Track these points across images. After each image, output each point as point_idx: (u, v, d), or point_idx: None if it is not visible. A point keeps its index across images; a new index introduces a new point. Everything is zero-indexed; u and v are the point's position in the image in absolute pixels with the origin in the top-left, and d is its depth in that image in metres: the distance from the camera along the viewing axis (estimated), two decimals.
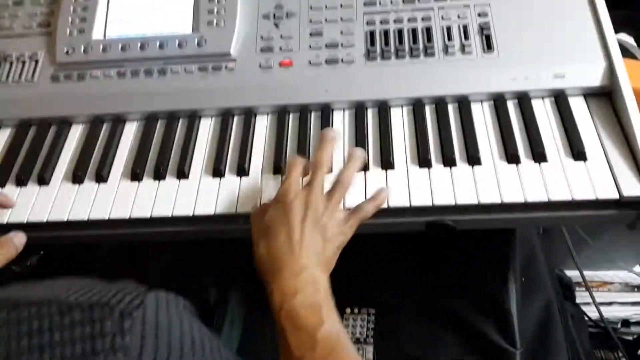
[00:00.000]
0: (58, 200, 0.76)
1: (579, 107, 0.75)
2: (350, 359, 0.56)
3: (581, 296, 1.24)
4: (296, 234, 0.61)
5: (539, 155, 0.70)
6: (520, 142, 0.72)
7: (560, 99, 0.75)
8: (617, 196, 0.66)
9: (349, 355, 0.56)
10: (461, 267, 0.86)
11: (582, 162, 0.69)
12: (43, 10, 0.92)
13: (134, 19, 0.88)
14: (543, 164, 0.70)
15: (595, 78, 0.75)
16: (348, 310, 0.86)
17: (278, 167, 0.74)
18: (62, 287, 0.40)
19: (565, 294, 1.15)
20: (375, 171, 0.73)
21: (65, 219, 0.74)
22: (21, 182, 0.78)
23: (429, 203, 0.68)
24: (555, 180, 0.68)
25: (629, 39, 1.12)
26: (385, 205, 0.69)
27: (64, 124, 0.84)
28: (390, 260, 0.88)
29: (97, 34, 0.87)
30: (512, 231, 0.88)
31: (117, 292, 0.41)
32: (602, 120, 0.73)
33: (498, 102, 0.77)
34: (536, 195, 0.67)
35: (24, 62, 0.87)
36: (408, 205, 0.69)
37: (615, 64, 0.75)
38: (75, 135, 0.83)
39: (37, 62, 0.87)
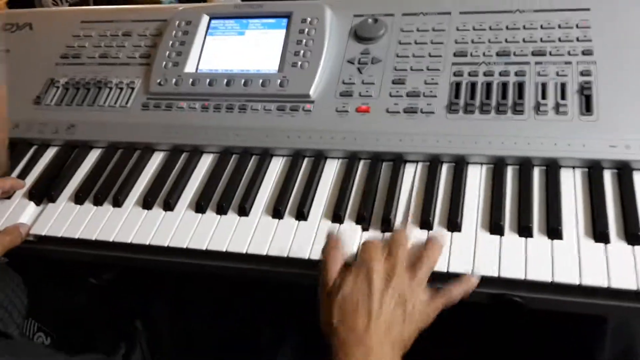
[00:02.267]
0: (126, 223, 0.78)
1: None
2: None
3: None
4: (375, 308, 0.57)
5: (633, 236, 0.61)
6: (613, 219, 0.63)
7: None
8: None
9: None
10: (539, 353, 0.76)
11: None
12: (147, 43, 0.98)
13: (225, 56, 0.91)
14: (637, 247, 0.60)
15: None
16: None
17: (338, 215, 0.71)
18: None
19: None
20: (440, 231, 0.67)
21: (128, 241, 0.75)
22: (98, 201, 0.81)
23: (495, 274, 0.61)
24: None
25: None
26: (444, 269, 0.63)
27: (147, 150, 0.87)
28: (459, 337, 0.80)
29: (189, 67, 0.90)
30: (602, 320, 0.76)
31: None
32: None
33: (592, 170, 0.68)
34: (624, 281, 0.57)
35: (121, 89, 0.93)
36: (471, 272, 0.62)
37: None
38: (155, 162, 0.86)
39: (132, 89, 0.92)
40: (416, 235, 0.66)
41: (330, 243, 0.65)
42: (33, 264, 0.86)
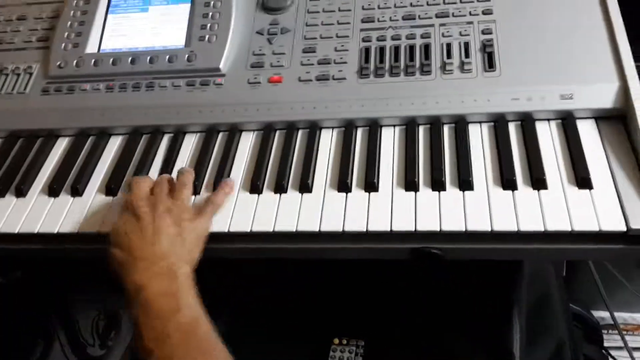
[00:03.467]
0: (32, 213, 0.73)
1: (587, 130, 0.68)
2: (209, 348, 0.54)
3: (613, 339, 1.14)
4: (148, 228, 0.61)
5: (538, 181, 0.63)
6: (519, 167, 0.66)
7: (567, 122, 0.69)
8: (624, 228, 0.58)
9: (208, 345, 0.54)
10: (460, 301, 0.79)
11: (586, 191, 0.62)
12: (44, 26, 0.92)
13: (129, 34, 0.87)
14: (542, 192, 0.63)
15: (607, 100, 0.68)
16: (336, 341, 0.80)
17: (255, 185, 0.70)
18: None
19: (591, 337, 1.06)
20: (359, 194, 0.67)
21: (35, 231, 0.71)
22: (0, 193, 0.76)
23: (411, 228, 0.62)
24: (554, 209, 0.61)
25: None
26: (364, 229, 0.63)
27: (50, 137, 0.82)
28: (383, 291, 0.82)
29: (90, 48, 0.86)
30: (518, 267, 0.80)
31: None
32: (613, 146, 0.66)
33: (498, 123, 0.71)
34: (531, 224, 0.60)
35: (18, 75, 0.87)
36: (389, 230, 0.63)
37: (630, 85, 0.67)
38: (60, 148, 0.81)
39: (30, 75, 0.87)
40: (334, 197, 0.67)
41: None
42: None
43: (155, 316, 0.55)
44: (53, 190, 0.75)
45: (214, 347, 0.54)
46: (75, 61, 0.85)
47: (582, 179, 0.63)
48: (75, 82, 0.84)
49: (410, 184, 0.66)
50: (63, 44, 0.87)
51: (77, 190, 0.74)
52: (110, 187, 0.73)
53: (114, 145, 0.80)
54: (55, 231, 0.71)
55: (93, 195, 0.74)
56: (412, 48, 0.77)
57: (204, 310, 0.57)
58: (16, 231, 0.72)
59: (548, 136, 0.68)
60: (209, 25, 0.84)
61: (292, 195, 0.69)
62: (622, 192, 0.61)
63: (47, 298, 0.83)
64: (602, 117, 0.69)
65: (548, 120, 0.70)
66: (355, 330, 0.81)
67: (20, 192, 0.75)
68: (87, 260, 0.86)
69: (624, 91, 0.68)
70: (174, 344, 0.53)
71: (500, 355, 0.75)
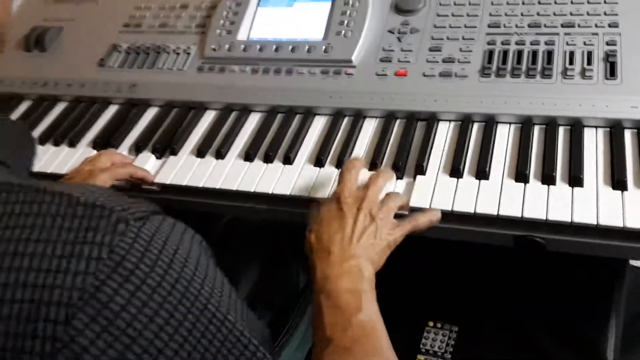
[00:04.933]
0: (197, 170, 0.85)
1: None
2: (382, 349, 0.55)
3: None
4: (349, 225, 0.63)
5: None
6: (631, 169, 0.68)
7: None
8: None
9: (381, 346, 0.55)
10: (557, 299, 0.81)
11: None
12: (202, 14, 1.06)
13: (275, 25, 0.98)
14: None
15: None
16: (431, 324, 0.85)
17: (374, 163, 0.78)
18: (80, 188, 0.42)
19: None
20: (469, 180, 0.73)
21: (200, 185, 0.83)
22: (157, 151, 0.89)
23: (518, 214, 0.67)
24: None
25: None
26: (472, 211, 0.69)
27: (201, 109, 0.95)
28: (482, 280, 0.86)
29: (241, 35, 0.98)
30: (621, 274, 0.81)
31: (128, 203, 0.41)
32: None
33: (614, 129, 0.73)
34: (636, 221, 0.63)
35: (178, 54, 1.01)
36: (496, 214, 0.68)
37: None
38: (208, 119, 0.94)
39: (188, 55, 1.01)
40: (444, 181, 0.73)
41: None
42: None
43: (339, 308, 0.57)
44: (200, 152, 0.87)
45: (387, 351, 0.56)
46: (227, 46, 0.98)
47: None
48: (226, 63, 0.97)
49: (521, 175, 0.71)
50: (218, 30, 1.00)
51: (220, 154, 0.86)
52: (249, 153, 0.84)
53: (253, 120, 0.91)
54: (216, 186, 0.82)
55: (234, 160, 0.85)
56: (535, 53, 0.82)
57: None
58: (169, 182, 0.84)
59: None
60: (346, 21, 0.93)
61: (406, 178, 0.76)
62: None
63: None
64: None
65: None
66: (451, 315, 0.86)
67: (173, 151, 0.88)
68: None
69: None
70: (354, 336, 0.55)
71: (593, 358, 0.77)
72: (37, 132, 0.98)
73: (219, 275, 0.45)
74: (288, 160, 0.82)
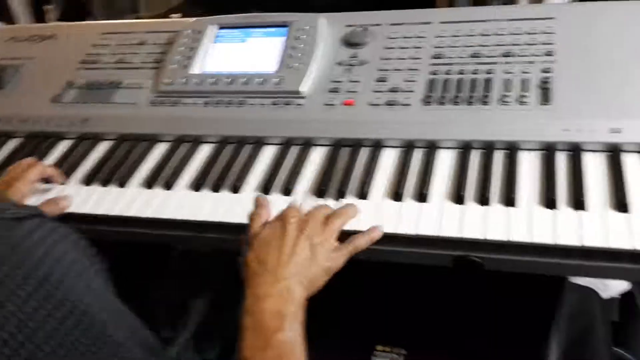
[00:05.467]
0: (144, 200, 0.85)
1: (632, 163, 0.72)
2: None
3: None
4: (287, 247, 0.64)
5: (578, 202, 0.68)
6: (564, 189, 0.71)
7: (613, 154, 0.73)
8: None
9: None
10: (499, 317, 0.82)
11: (622, 214, 0.66)
12: (158, 50, 1.08)
13: (229, 59, 1.01)
14: (581, 212, 0.67)
15: None
16: (379, 347, 0.85)
17: (322, 190, 0.79)
18: None
19: None
20: (410, 203, 0.74)
21: (128, 214, 0.83)
22: (106, 184, 0.89)
23: (457, 234, 0.68)
24: (592, 227, 0.65)
25: None
26: (414, 232, 0.70)
27: (153, 141, 0.96)
28: (427, 301, 0.87)
29: (196, 69, 1.00)
30: (559, 297, 0.82)
31: (10, 206, 0.44)
32: None
33: (548, 152, 0.76)
34: (568, 238, 0.64)
35: (132, 89, 1.03)
36: (436, 234, 0.69)
37: None
38: (158, 151, 0.94)
39: (143, 89, 1.02)
40: (387, 204, 0.74)
41: (258, 203, 0.73)
42: None
43: (261, 329, 0.58)
44: (149, 184, 0.87)
45: None
46: (181, 79, 0.99)
47: (620, 204, 0.67)
48: (180, 97, 0.98)
49: (459, 198, 0.72)
50: (173, 65, 1.02)
51: (168, 185, 0.86)
52: (198, 183, 0.85)
53: (203, 151, 0.92)
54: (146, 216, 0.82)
55: (183, 189, 0.86)
56: (474, 81, 0.85)
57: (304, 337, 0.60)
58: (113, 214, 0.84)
59: (593, 166, 0.73)
60: (297, 55, 0.96)
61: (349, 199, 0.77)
62: None
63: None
64: None
65: (595, 151, 0.75)
66: (399, 339, 0.86)
67: (122, 185, 0.89)
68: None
69: None
70: (273, 356, 0.56)
71: None
72: None
73: (97, 282, 0.47)
74: (235, 189, 0.82)
